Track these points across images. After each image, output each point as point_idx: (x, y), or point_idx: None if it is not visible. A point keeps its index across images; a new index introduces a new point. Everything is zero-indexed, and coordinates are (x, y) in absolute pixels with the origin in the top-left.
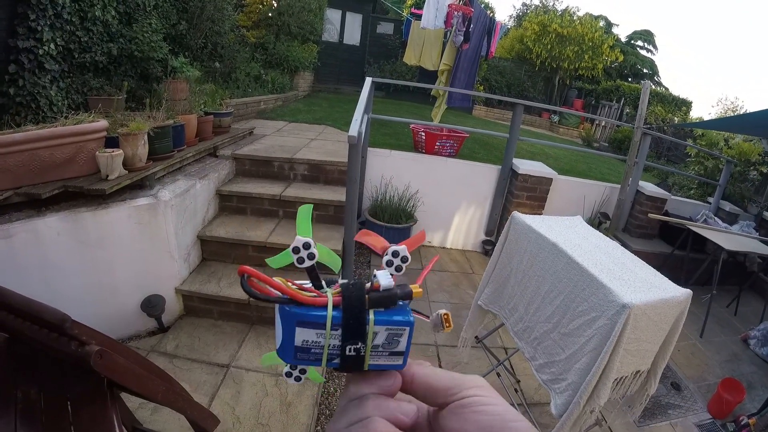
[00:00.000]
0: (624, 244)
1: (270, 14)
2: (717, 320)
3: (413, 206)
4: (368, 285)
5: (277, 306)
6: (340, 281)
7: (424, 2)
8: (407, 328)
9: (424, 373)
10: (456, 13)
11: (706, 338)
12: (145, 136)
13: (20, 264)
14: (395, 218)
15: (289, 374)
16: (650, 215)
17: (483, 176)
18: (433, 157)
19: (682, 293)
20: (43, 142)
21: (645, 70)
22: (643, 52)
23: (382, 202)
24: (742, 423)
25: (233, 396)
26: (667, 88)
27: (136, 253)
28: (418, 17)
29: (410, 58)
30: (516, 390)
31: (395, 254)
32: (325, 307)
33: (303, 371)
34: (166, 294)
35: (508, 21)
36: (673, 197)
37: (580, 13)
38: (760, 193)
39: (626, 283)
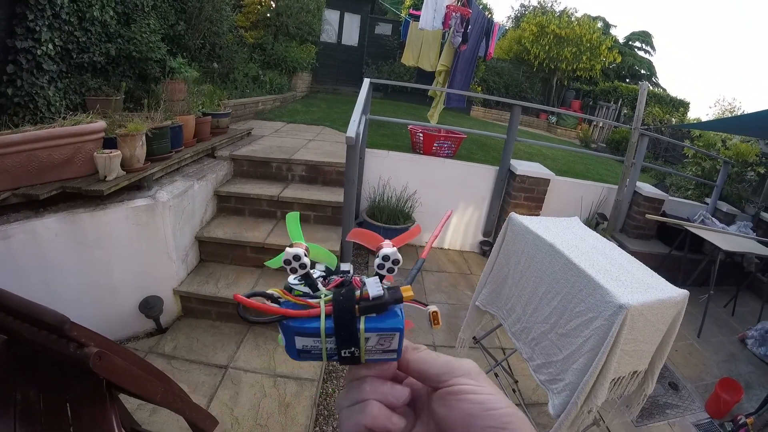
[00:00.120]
0: (621, 245)
1: (268, 15)
2: (714, 320)
3: (411, 207)
4: (359, 293)
5: None
6: (336, 279)
7: (422, 3)
8: (397, 333)
9: (419, 359)
10: (454, 14)
11: (704, 338)
12: (143, 137)
13: (19, 265)
14: (393, 219)
15: None
16: (647, 216)
17: (481, 177)
18: (430, 158)
19: (679, 294)
20: (41, 143)
21: (643, 71)
22: (641, 53)
23: (380, 203)
24: (740, 422)
25: (232, 397)
26: (664, 89)
27: (134, 254)
28: (417, 18)
29: (408, 59)
30: (514, 390)
31: (386, 258)
32: (318, 317)
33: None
34: (164, 295)
35: (506, 22)
36: (670, 198)
37: (578, 14)
38: (758, 193)
39: (623, 284)
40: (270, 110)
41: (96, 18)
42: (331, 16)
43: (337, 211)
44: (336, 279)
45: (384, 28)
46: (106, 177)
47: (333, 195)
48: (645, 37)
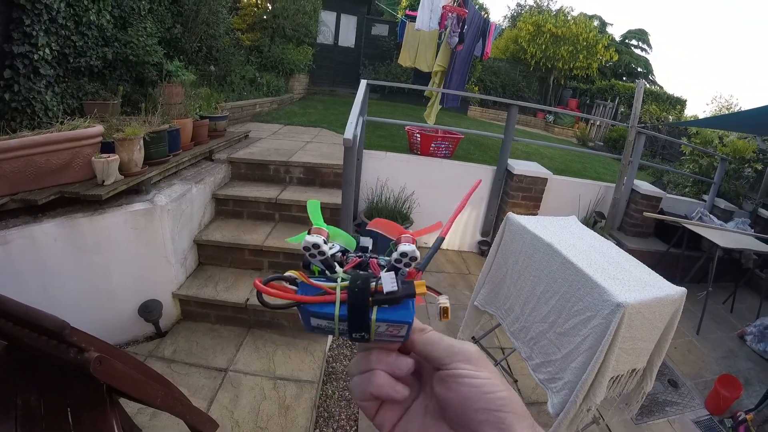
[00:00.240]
0: (619, 243)
1: (265, 17)
2: (713, 317)
3: (409, 208)
4: (374, 285)
5: None
6: (354, 258)
7: (418, 4)
8: (406, 325)
9: (424, 340)
10: (450, 14)
11: (703, 335)
12: (141, 141)
13: (18, 270)
14: (391, 220)
15: None
16: (645, 214)
17: (478, 177)
18: (428, 159)
19: (677, 291)
20: (38, 148)
21: (639, 69)
22: (638, 51)
23: (378, 204)
24: (740, 419)
25: (231, 400)
26: (661, 87)
27: (132, 259)
28: (413, 19)
29: (405, 59)
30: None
31: (403, 255)
32: (333, 303)
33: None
34: (163, 299)
35: (503, 21)
36: (668, 195)
37: (575, 13)
38: (755, 190)
39: (621, 283)
40: (267, 112)
41: (92, 22)
42: (328, 17)
43: (336, 213)
44: (354, 259)
45: (380, 29)
46: (104, 181)
47: (331, 197)
48: (641, 35)
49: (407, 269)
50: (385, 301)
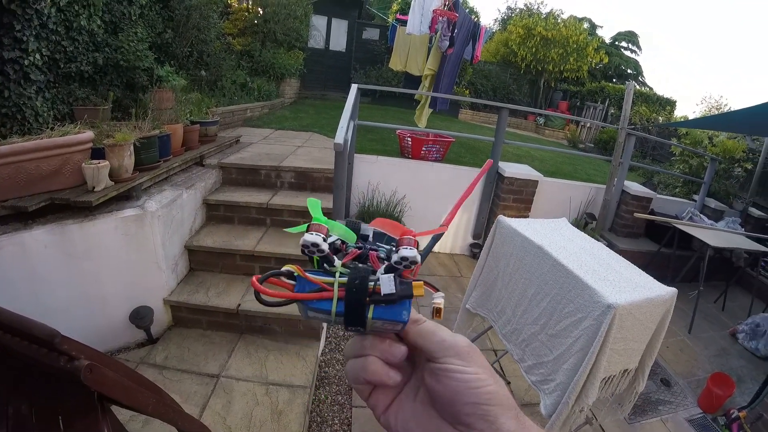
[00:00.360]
0: (610, 244)
1: (256, 21)
2: (705, 316)
3: (400, 211)
4: (371, 285)
5: None
6: (353, 250)
7: (409, 8)
8: (402, 324)
9: (417, 331)
10: (441, 18)
11: (695, 334)
12: (131, 147)
13: (8, 277)
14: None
15: None
16: (636, 214)
17: (469, 180)
18: (419, 162)
19: (667, 292)
20: (29, 155)
21: (629, 71)
22: (628, 53)
23: (369, 208)
24: (733, 416)
25: (224, 406)
26: (651, 88)
27: (123, 265)
28: (404, 23)
29: (396, 63)
30: None
31: (404, 259)
32: (330, 300)
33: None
34: (154, 305)
35: (493, 25)
36: (658, 196)
37: (565, 16)
38: (745, 189)
39: (611, 284)
40: (258, 117)
41: (83, 27)
42: (319, 21)
43: (327, 217)
44: (353, 250)
45: (371, 33)
46: (94, 188)
47: (322, 201)
48: (631, 37)
49: (407, 270)
50: (383, 301)
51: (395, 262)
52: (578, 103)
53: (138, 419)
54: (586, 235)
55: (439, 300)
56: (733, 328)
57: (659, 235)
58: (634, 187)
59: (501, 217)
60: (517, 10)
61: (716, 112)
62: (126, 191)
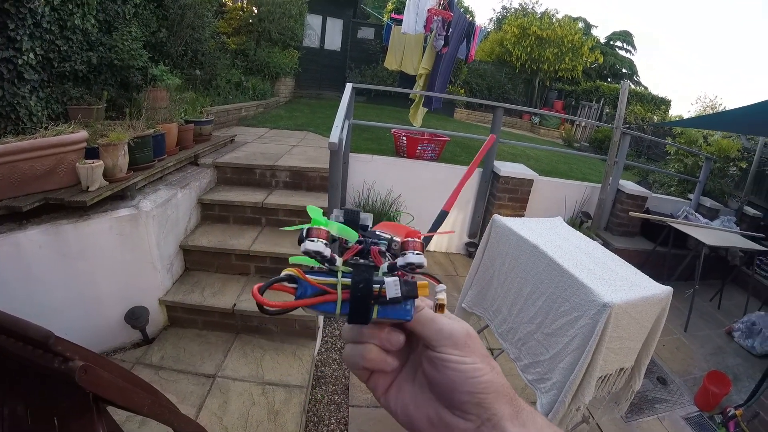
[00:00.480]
0: (606, 243)
1: (250, 20)
2: (701, 314)
3: (396, 210)
4: (376, 288)
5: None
6: (354, 246)
7: (404, 7)
8: (404, 321)
9: (415, 318)
10: (436, 17)
11: (691, 332)
12: (126, 147)
13: (2, 278)
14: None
15: None
16: (631, 213)
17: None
18: (414, 161)
19: (663, 291)
20: (23, 155)
21: (624, 70)
22: (622, 53)
23: (364, 207)
24: (729, 414)
25: (220, 406)
26: (646, 88)
27: (118, 265)
28: (399, 22)
29: (391, 62)
30: None
31: (410, 264)
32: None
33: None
34: (149, 305)
35: (488, 24)
36: (653, 195)
37: (560, 16)
38: (740, 188)
39: (607, 283)
40: (253, 116)
41: (77, 26)
42: (314, 20)
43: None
44: (354, 246)
45: (366, 33)
46: (88, 187)
47: (317, 200)
48: (626, 37)
49: (412, 273)
50: (387, 303)
51: (400, 266)
52: (573, 103)
53: (134, 420)
54: (581, 234)
55: (442, 295)
56: (729, 327)
57: (654, 233)
58: (630, 186)
59: (496, 216)
60: (512, 9)
61: (710, 112)
62: (120, 191)
